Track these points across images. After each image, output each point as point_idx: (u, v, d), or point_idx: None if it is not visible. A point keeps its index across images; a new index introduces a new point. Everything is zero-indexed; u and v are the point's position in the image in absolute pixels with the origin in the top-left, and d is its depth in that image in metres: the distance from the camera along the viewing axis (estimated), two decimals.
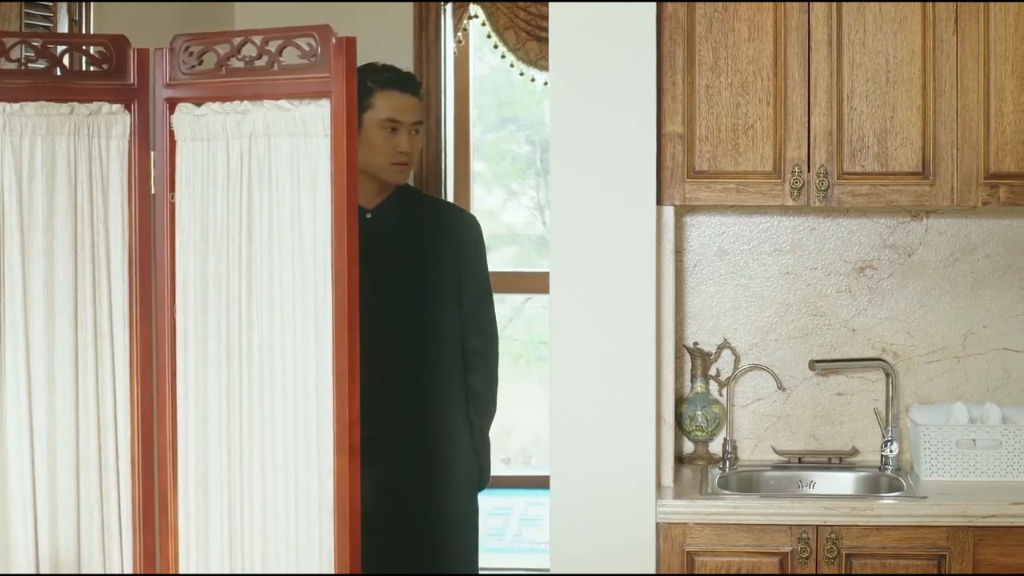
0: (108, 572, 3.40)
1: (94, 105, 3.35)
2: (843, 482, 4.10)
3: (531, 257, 8.56)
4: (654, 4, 3.76)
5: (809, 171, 3.86)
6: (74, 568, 3.37)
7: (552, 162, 3.79)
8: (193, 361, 3.31)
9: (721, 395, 4.22)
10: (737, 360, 4.22)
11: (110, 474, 3.39)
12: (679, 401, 4.18)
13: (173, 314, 3.34)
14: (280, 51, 3.19)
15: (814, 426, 4.23)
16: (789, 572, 3.75)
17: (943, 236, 4.19)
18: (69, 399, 3.35)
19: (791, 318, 4.23)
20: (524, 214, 8.64)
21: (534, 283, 7.59)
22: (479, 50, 7.50)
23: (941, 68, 3.82)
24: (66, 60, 3.38)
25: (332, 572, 3.13)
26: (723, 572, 3.77)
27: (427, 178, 6.50)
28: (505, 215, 8.54)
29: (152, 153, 3.36)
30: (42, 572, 3.35)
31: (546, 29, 5.70)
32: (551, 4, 3.77)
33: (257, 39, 3.21)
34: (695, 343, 4.23)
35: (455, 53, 6.80)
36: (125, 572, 3.41)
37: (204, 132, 3.27)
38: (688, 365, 4.23)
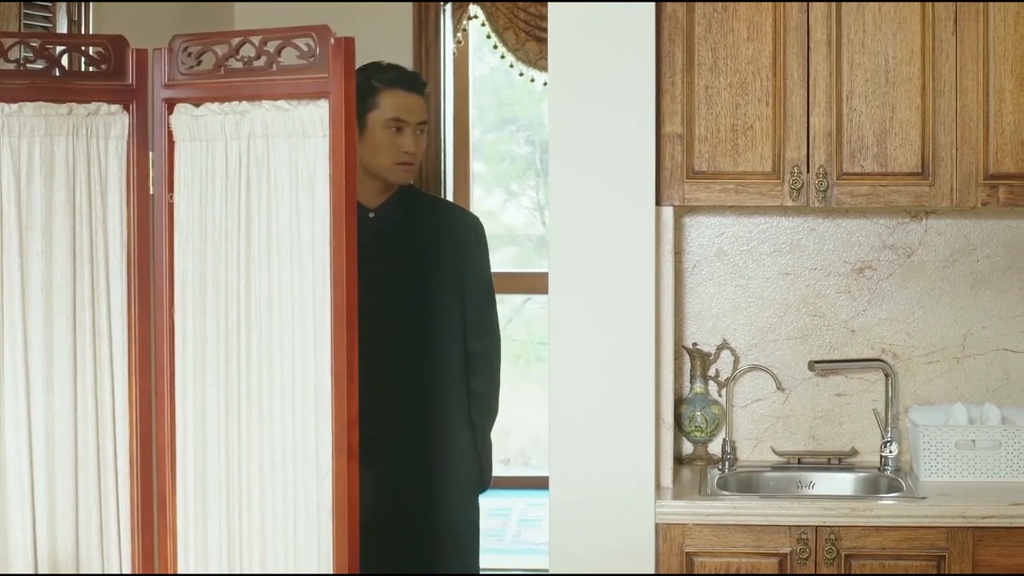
0: (107, 573, 3.40)
1: (92, 106, 3.34)
2: (842, 483, 4.09)
3: (531, 257, 8.56)
4: (653, 4, 3.76)
5: (808, 171, 3.86)
6: (72, 569, 3.37)
7: (551, 162, 3.79)
8: (191, 361, 3.31)
9: (720, 396, 4.21)
10: (736, 361, 4.22)
11: (108, 475, 3.39)
12: (678, 402, 4.18)
13: (171, 314, 3.34)
14: (278, 51, 3.18)
15: (813, 427, 4.23)
16: (788, 573, 3.75)
17: (942, 237, 4.18)
18: (68, 400, 3.35)
19: (790, 319, 4.23)
20: (524, 214, 8.64)
21: (533, 283, 7.58)
22: (479, 50, 7.50)
23: (940, 68, 3.82)
24: (65, 60, 3.38)
25: (330, 572, 3.13)
26: (722, 573, 3.77)
27: (427, 178, 6.50)
28: (505, 215, 8.54)
29: (151, 154, 3.36)
30: (40, 573, 3.35)
31: (546, 29, 5.70)
32: (550, 4, 3.77)
33: (255, 39, 3.21)
34: (694, 344, 4.23)
35: (455, 53, 6.80)
36: (124, 573, 3.40)
37: (203, 132, 3.27)
38: (687, 366, 4.22)
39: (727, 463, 4.11)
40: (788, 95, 3.85)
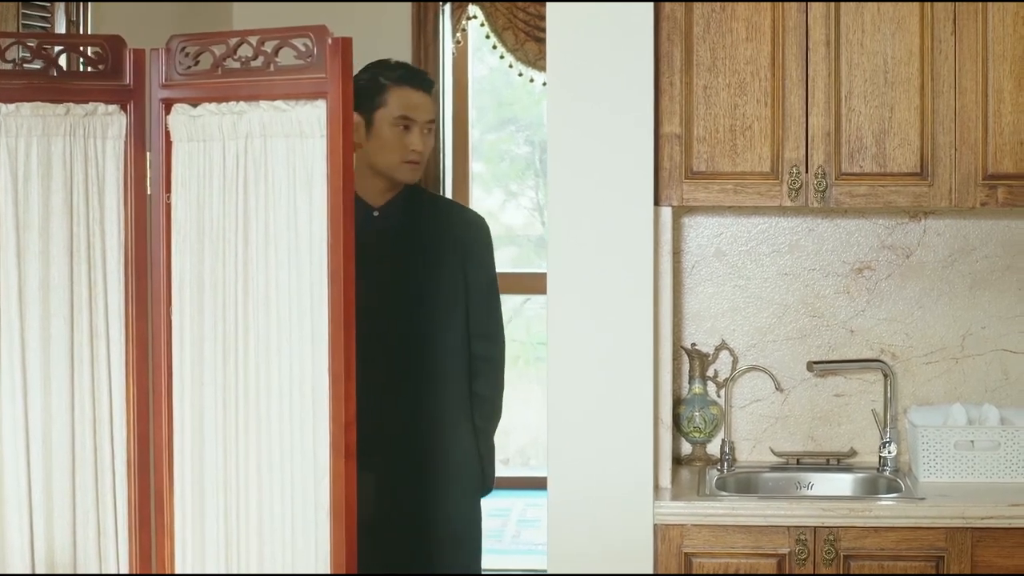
0: (104, 573, 3.39)
1: (90, 106, 3.34)
2: (841, 483, 4.09)
3: (530, 258, 8.56)
4: (652, 4, 3.76)
5: (807, 172, 3.86)
6: (70, 569, 3.36)
7: (550, 162, 3.79)
8: (189, 362, 3.31)
9: (719, 396, 4.21)
10: (735, 361, 4.22)
11: (106, 475, 3.39)
12: (677, 402, 4.17)
13: (169, 315, 3.33)
14: (276, 52, 3.18)
15: (812, 427, 4.23)
16: (787, 573, 3.74)
17: (941, 237, 4.18)
18: (65, 400, 3.35)
19: (789, 319, 4.22)
20: (523, 215, 8.64)
21: (533, 284, 7.58)
22: (478, 50, 7.50)
23: (939, 69, 3.82)
24: (62, 60, 3.37)
25: (328, 573, 3.12)
26: (721, 573, 3.76)
27: (426, 179, 6.50)
28: (504, 216, 8.54)
29: (148, 154, 3.36)
30: (38, 573, 3.35)
31: (544, 29, 5.70)
32: (549, 4, 3.77)
33: (253, 40, 3.21)
34: (693, 344, 4.23)
35: (454, 53, 6.80)
36: (121, 573, 3.40)
37: (200, 133, 3.27)
38: (686, 366, 4.22)
39: (726, 464, 4.11)
40: (787, 95, 3.84)
